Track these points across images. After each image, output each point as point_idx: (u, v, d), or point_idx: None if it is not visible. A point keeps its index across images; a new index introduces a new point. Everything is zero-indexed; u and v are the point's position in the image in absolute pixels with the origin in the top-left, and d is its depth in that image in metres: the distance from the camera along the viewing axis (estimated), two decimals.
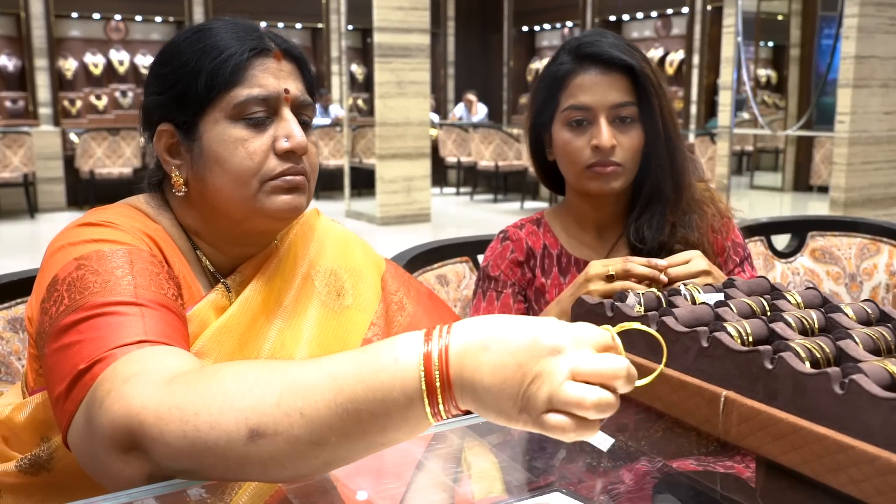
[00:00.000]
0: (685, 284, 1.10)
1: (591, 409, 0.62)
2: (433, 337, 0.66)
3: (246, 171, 0.97)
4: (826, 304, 1.01)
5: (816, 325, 0.96)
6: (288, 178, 0.99)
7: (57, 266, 0.91)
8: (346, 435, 0.67)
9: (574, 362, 0.63)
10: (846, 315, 0.96)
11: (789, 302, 1.02)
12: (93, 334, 0.82)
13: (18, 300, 1.28)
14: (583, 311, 1.09)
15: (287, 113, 1.00)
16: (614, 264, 1.21)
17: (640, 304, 1.06)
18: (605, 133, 1.31)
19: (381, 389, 0.65)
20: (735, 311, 0.99)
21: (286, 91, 0.99)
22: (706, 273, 1.22)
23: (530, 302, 1.43)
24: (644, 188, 1.38)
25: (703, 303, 1.04)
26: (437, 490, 0.87)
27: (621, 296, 1.07)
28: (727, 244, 1.44)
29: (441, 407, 0.65)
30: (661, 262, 1.21)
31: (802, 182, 9.44)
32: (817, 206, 8.09)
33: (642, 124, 1.34)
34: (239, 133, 0.97)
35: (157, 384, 0.74)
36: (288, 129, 0.99)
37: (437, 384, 0.64)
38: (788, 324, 0.93)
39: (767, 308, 1.01)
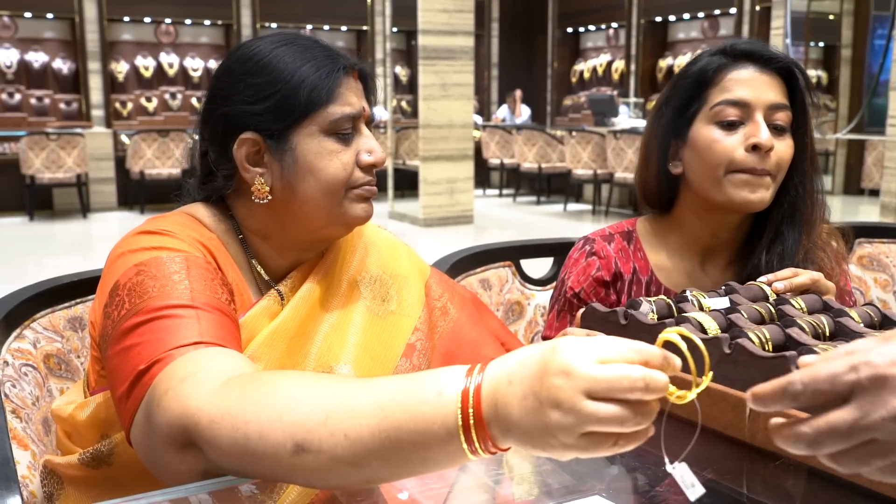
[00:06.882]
0: (691, 290, 1.10)
1: (617, 422, 0.61)
2: (473, 374, 0.67)
3: (339, 181, 1.03)
4: (831, 309, 1.04)
5: (827, 330, 0.99)
6: (368, 187, 1.07)
7: (118, 272, 0.95)
8: (387, 461, 0.69)
9: (587, 381, 0.61)
10: (853, 319, 0.99)
11: (794, 307, 1.04)
12: (151, 336, 0.86)
13: (78, 300, 1.32)
14: (595, 320, 1.08)
15: (366, 129, 1.07)
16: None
17: (653, 311, 1.06)
18: (763, 130, 1.16)
19: (423, 421, 0.67)
20: (746, 316, 1.01)
21: (364, 109, 1.06)
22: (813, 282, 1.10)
23: None
24: (777, 210, 1.22)
25: (712, 309, 1.05)
26: (479, 491, 0.89)
27: (634, 303, 1.07)
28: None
29: (477, 445, 0.66)
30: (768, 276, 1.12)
31: (853, 185, 9.24)
32: (868, 210, 7.91)
33: (793, 135, 1.21)
34: (332, 146, 1.03)
35: (211, 387, 0.77)
36: (370, 144, 1.06)
37: (472, 422, 0.65)
38: (803, 329, 0.96)
39: (774, 313, 1.03)
